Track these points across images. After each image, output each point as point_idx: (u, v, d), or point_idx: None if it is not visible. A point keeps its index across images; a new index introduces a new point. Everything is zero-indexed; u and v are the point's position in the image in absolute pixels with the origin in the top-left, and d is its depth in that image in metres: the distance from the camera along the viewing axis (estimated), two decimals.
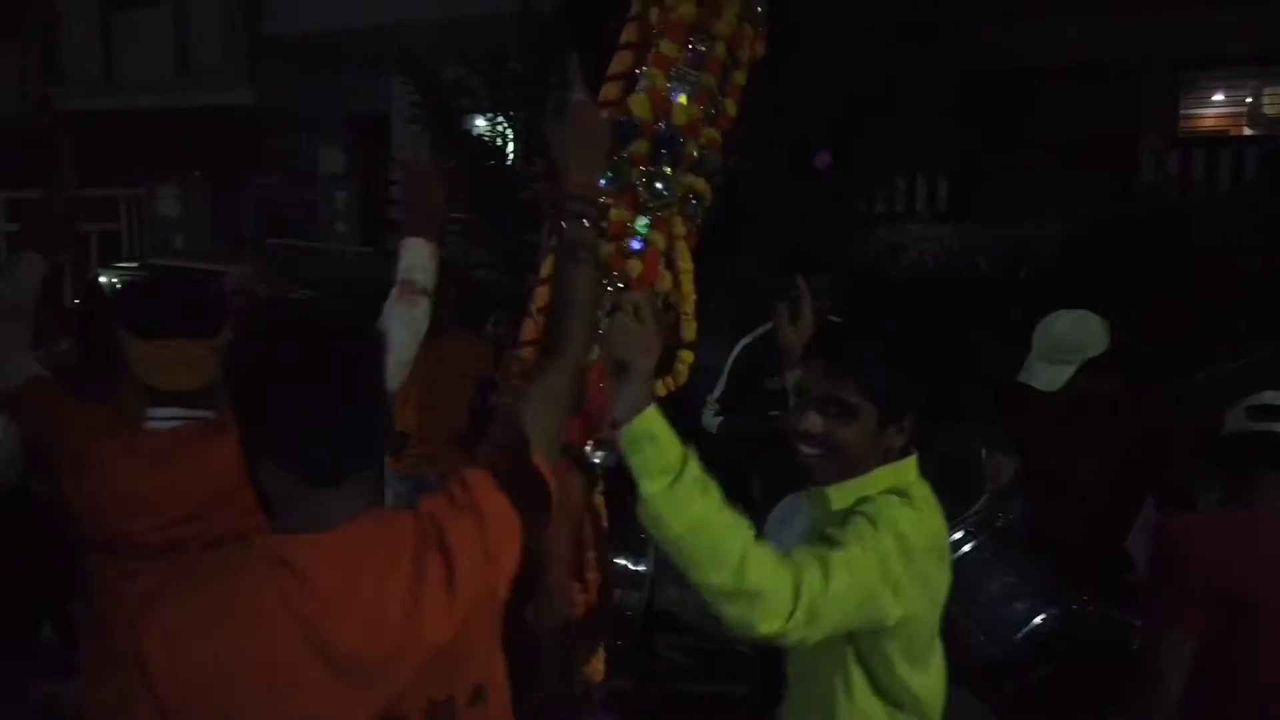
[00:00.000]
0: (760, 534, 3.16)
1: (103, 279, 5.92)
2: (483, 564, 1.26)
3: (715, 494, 1.48)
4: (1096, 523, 2.76)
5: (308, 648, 1.15)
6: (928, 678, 1.66)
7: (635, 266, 2.38)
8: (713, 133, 2.53)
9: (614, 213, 2.41)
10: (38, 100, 12.20)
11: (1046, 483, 2.78)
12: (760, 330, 3.49)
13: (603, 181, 2.45)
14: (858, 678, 1.62)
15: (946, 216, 7.39)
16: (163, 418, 1.89)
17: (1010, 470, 2.88)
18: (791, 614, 1.44)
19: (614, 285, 2.39)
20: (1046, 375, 2.73)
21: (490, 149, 7.91)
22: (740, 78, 2.56)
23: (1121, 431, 2.77)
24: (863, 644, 1.60)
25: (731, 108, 2.55)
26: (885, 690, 1.63)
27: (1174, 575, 1.89)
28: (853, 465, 1.66)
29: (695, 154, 2.49)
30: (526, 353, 2.39)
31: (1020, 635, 2.37)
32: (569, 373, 1.54)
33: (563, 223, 1.58)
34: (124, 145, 11.98)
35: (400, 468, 3.89)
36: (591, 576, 2.28)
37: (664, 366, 2.42)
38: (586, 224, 1.59)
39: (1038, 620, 2.37)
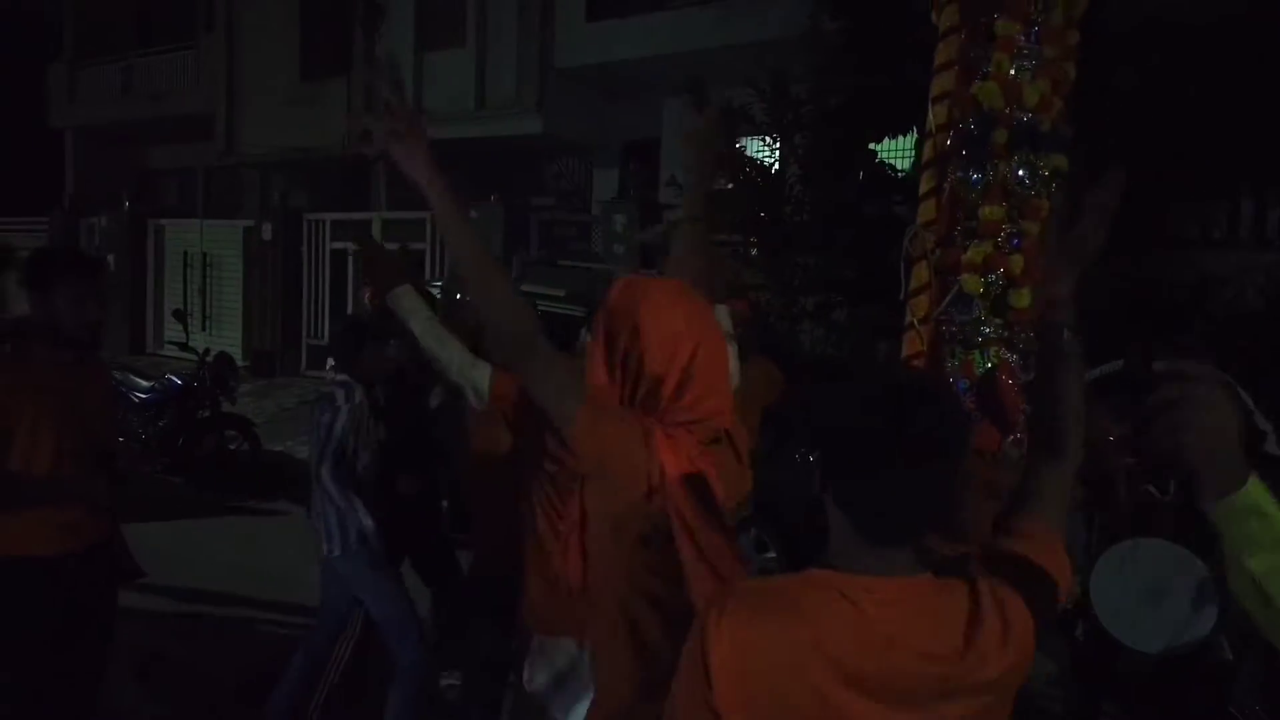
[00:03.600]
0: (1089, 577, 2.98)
1: None
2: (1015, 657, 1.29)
3: None
4: None
5: (848, 682, 1.24)
6: None
7: (1017, 262, 2.38)
8: (1058, 102, 2.43)
9: (986, 210, 2.38)
10: (359, 132, 13.73)
11: None
12: (1101, 370, 3.28)
13: (975, 178, 2.42)
14: None
15: (1276, 243, 6.60)
16: None
17: None
18: None
19: (999, 283, 2.36)
20: None
21: (767, 173, 8.02)
22: (1074, 37, 2.43)
23: None
24: None
25: (1071, 70, 2.42)
26: None
27: None
28: None
29: (1049, 129, 2.41)
30: (915, 365, 2.41)
31: None
32: (1069, 479, 1.51)
33: (1058, 333, 1.53)
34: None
35: None
36: None
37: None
38: (1069, 335, 1.53)
39: None
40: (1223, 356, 3.98)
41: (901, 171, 8.12)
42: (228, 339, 13.63)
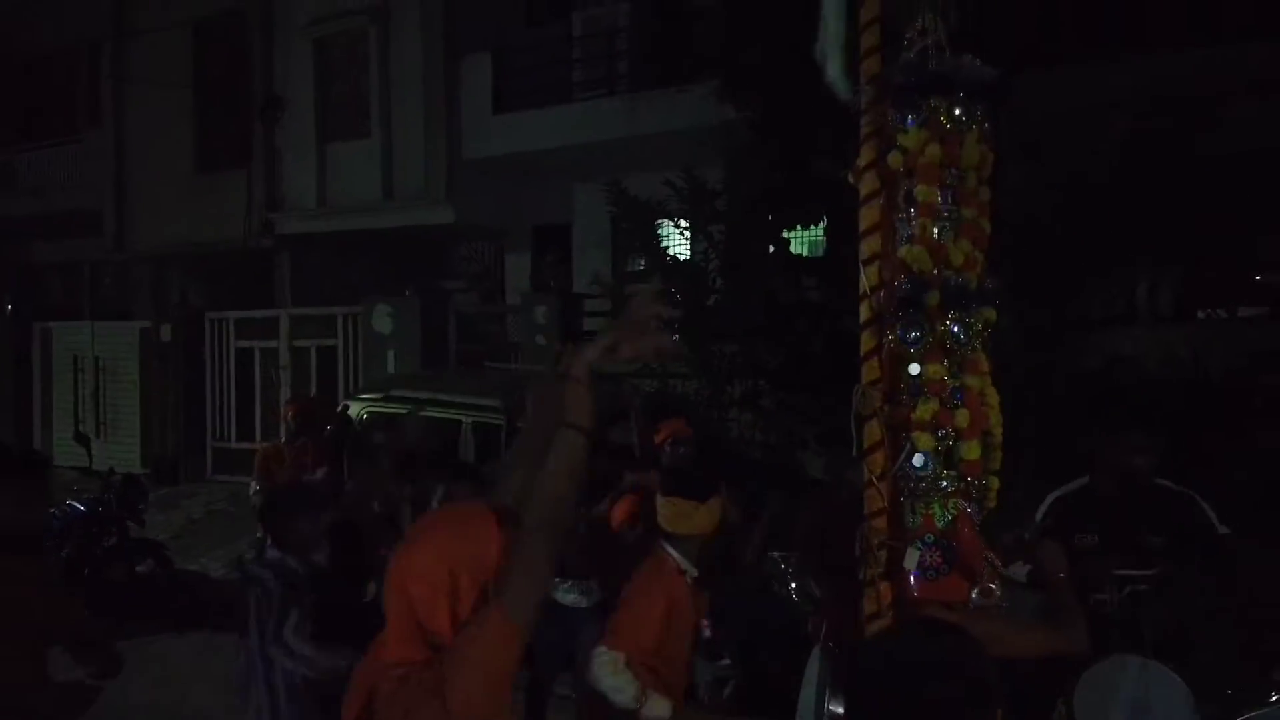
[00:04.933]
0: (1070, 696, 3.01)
1: (352, 409, 6.38)
2: None
3: None
4: None
5: None
6: None
7: (964, 417, 2.42)
8: (980, 258, 2.53)
9: (928, 369, 2.45)
10: (261, 226, 13.44)
11: None
12: (1074, 485, 3.39)
13: (913, 335, 2.49)
14: None
15: (1173, 318, 6.99)
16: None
17: None
18: None
19: (948, 438, 2.40)
20: None
21: (686, 265, 8.16)
22: (986, 194, 2.57)
23: None
24: None
25: (986, 225, 2.55)
26: None
27: None
28: None
29: (975, 286, 2.50)
30: (879, 523, 2.43)
31: None
32: None
33: None
34: (336, 265, 13.05)
35: None
36: None
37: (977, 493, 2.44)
38: None
39: None
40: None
41: (815, 256, 8.38)
42: (125, 446, 12.96)
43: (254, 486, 5.91)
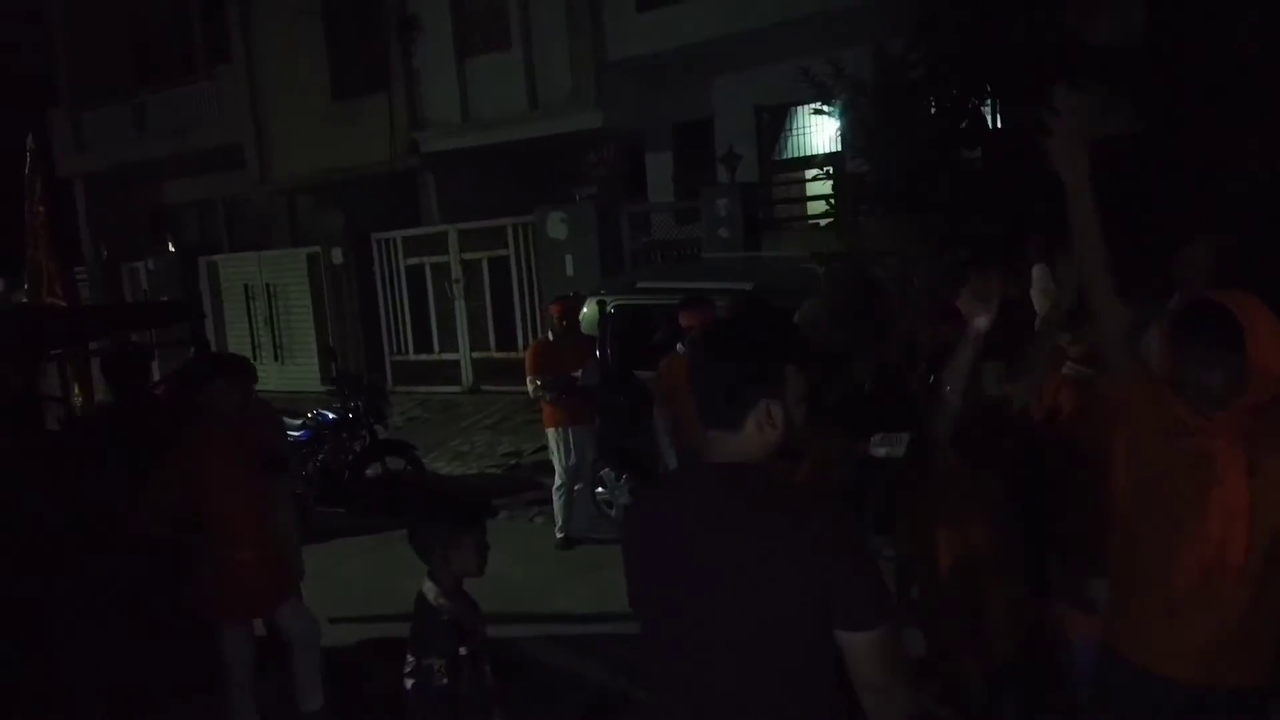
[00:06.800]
0: None
1: (597, 300, 6.73)
2: None
3: None
4: None
5: None
6: None
7: None
8: None
9: None
10: (406, 147, 13.77)
11: None
12: None
13: None
14: None
15: None
16: None
17: None
18: None
19: None
20: None
21: (886, 136, 8.20)
22: None
23: None
24: None
25: None
26: None
27: None
28: None
29: None
30: None
31: None
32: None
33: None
34: (479, 180, 13.37)
35: None
36: None
37: None
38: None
39: None
40: None
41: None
42: (302, 367, 13.70)
43: (534, 381, 6.31)
